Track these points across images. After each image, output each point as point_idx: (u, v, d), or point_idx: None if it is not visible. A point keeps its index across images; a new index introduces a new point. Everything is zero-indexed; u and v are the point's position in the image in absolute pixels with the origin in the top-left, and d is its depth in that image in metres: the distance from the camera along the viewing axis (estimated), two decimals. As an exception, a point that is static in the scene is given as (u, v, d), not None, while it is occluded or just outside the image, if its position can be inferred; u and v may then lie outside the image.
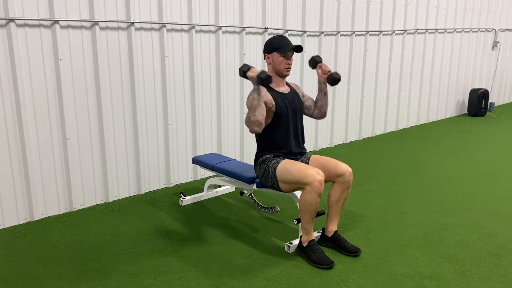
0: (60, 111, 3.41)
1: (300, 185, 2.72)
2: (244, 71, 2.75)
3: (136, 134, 3.86)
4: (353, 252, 2.88)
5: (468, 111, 7.96)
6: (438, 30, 6.95)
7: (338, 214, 2.97)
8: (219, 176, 3.60)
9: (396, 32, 6.20)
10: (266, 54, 2.93)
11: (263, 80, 2.65)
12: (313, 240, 2.82)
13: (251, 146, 4.76)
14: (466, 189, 4.12)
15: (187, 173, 4.31)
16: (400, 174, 4.59)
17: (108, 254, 2.89)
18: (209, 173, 4.47)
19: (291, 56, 2.93)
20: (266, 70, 2.97)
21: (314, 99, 3.10)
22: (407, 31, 6.38)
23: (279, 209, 3.33)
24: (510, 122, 7.39)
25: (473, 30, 7.71)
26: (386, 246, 3.01)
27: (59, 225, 3.33)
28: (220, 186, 3.97)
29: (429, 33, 6.79)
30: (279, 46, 2.88)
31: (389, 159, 5.17)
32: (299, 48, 2.90)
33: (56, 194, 3.51)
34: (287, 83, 3.05)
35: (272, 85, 2.93)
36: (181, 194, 3.77)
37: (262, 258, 2.85)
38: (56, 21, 3.25)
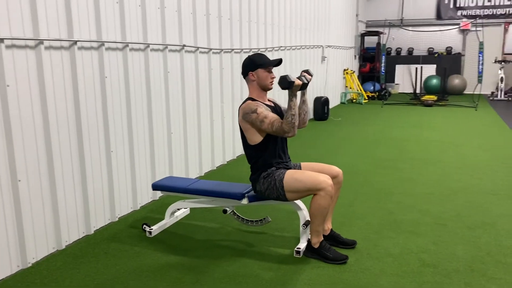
0: (9, 148, 2.79)
1: (312, 192, 2.92)
2: (290, 81, 2.84)
3: (83, 165, 3.39)
4: (351, 244, 3.22)
5: (314, 116, 9.17)
6: (287, 47, 7.84)
7: (331, 213, 3.27)
8: (191, 198, 3.47)
9: (260, 49, 6.81)
10: (250, 72, 3.03)
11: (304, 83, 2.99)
12: (323, 240, 3.05)
13: (177, 165, 4.62)
14: (373, 179, 4.90)
15: (128, 203, 3.95)
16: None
17: (129, 301, 2.54)
18: (146, 200, 4.18)
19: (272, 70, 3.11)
20: (248, 87, 3.09)
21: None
22: (268, 49, 7.06)
23: (270, 219, 3.43)
24: (349, 122, 8.82)
25: (310, 47, 8.95)
26: (366, 235, 3.45)
27: None
28: (176, 210, 3.79)
29: (281, 50, 7.62)
30: (262, 63, 3.03)
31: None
32: (280, 62, 3.10)
33: (8, 250, 2.84)
34: (268, 99, 3.21)
35: (259, 99, 3.06)
36: (144, 226, 3.49)
37: (283, 268, 2.94)
38: (1, 40, 2.68)
